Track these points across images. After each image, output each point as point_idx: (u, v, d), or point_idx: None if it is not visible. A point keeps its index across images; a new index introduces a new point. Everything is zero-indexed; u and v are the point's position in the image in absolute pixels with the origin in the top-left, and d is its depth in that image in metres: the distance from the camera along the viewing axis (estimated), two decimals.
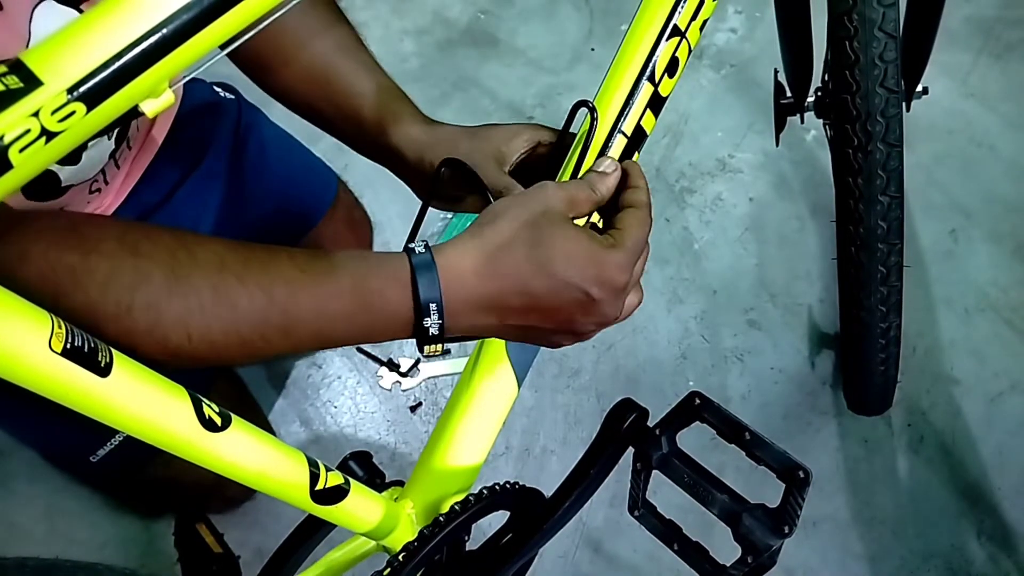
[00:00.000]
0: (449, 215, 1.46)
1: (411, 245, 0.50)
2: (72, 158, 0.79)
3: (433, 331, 0.49)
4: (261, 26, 0.43)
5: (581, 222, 0.56)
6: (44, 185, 0.77)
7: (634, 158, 0.65)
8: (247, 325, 0.47)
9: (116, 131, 0.82)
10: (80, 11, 0.67)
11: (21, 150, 0.35)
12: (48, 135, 0.35)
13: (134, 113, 0.39)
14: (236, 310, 0.47)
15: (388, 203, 1.43)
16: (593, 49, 1.73)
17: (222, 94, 1.10)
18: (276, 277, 0.48)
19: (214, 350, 0.48)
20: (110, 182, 0.89)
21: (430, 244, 0.50)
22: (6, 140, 0.34)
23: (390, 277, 0.49)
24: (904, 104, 0.95)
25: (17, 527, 1.20)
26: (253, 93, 1.16)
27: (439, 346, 0.51)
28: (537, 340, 0.55)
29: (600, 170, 0.56)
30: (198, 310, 0.46)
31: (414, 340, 0.51)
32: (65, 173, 0.78)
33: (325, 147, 1.47)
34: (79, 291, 0.45)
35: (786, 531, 0.59)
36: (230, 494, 1.18)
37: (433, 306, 0.48)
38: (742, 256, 1.46)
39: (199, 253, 0.48)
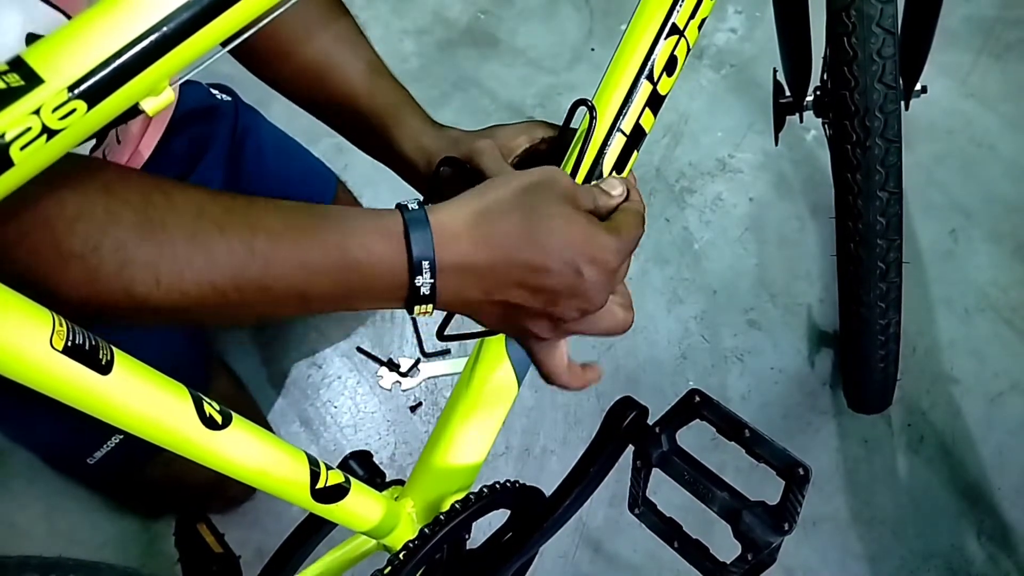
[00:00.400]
0: None
1: (403, 201, 0.49)
2: None
3: (424, 290, 0.47)
4: (262, 24, 0.43)
5: None
6: None
7: (633, 157, 0.65)
8: (222, 275, 0.44)
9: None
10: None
11: (22, 148, 0.35)
12: (49, 133, 0.35)
13: (134, 111, 0.39)
14: (212, 258, 0.44)
15: (388, 203, 1.40)
16: (593, 49, 1.73)
17: (219, 96, 1.10)
18: (258, 226, 0.45)
19: (184, 300, 0.44)
20: None
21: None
22: (7, 138, 0.34)
23: (381, 232, 0.47)
24: (903, 102, 0.96)
25: (17, 527, 1.20)
26: (250, 94, 1.17)
27: (429, 307, 0.49)
28: (517, 324, 0.53)
29: (608, 190, 0.55)
30: (170, 256, 0.43)
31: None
32: None
33: (324, 148, 1.47)
34: (46, 227, 0.42)
35: (786, 528, 0.59)
36: (230, 494, 1.18)
37: (426, 264, 0.47)
38: (742, 256, 1.46)
39: (177, 198, 0.45)
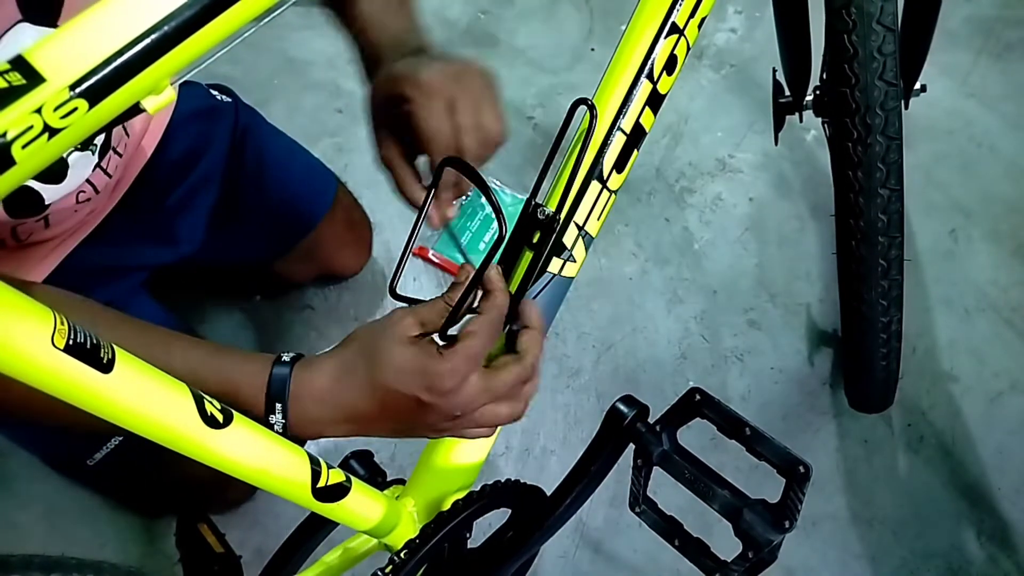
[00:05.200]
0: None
1: (282, 355, 0.58)
2: (56, 177, 0.78)
3: (278, 428, 0.56)
4: (262, 22, 0.43)
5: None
6: (27, 202, 0.76)
7: (633, 156, 0.65)
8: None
9: (101, 142, 0.81)
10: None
11: (24, 146, 0.35)
12: (51, 131, 0.35)
13: (136, 110, 0.39)
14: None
15: (388, 203, 1.43)
16: (593, 49, 1.73)
17: (219, 97, 1.10)
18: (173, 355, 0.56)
19: None
20: (101, 191, 0.88)
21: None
22: (9, 136, 0.34)
23: (250, 380, 0.57)
24: (903, 101, 0.96)
25: (17, 527, 1.20)
26: (250, 95, 1.17)
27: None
28: (409, 433, 0.60)
29: (457, 280, 0.59)
30: None
31: None
32: (48, 192, 0.77)
33: (324, 148, 1.48)
34: None
35: (787, 526, 0.59)
36: (230, 496, 1.18)
37: (279, 407, 0.56)
38: (742, 256, 1.46)
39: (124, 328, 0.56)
